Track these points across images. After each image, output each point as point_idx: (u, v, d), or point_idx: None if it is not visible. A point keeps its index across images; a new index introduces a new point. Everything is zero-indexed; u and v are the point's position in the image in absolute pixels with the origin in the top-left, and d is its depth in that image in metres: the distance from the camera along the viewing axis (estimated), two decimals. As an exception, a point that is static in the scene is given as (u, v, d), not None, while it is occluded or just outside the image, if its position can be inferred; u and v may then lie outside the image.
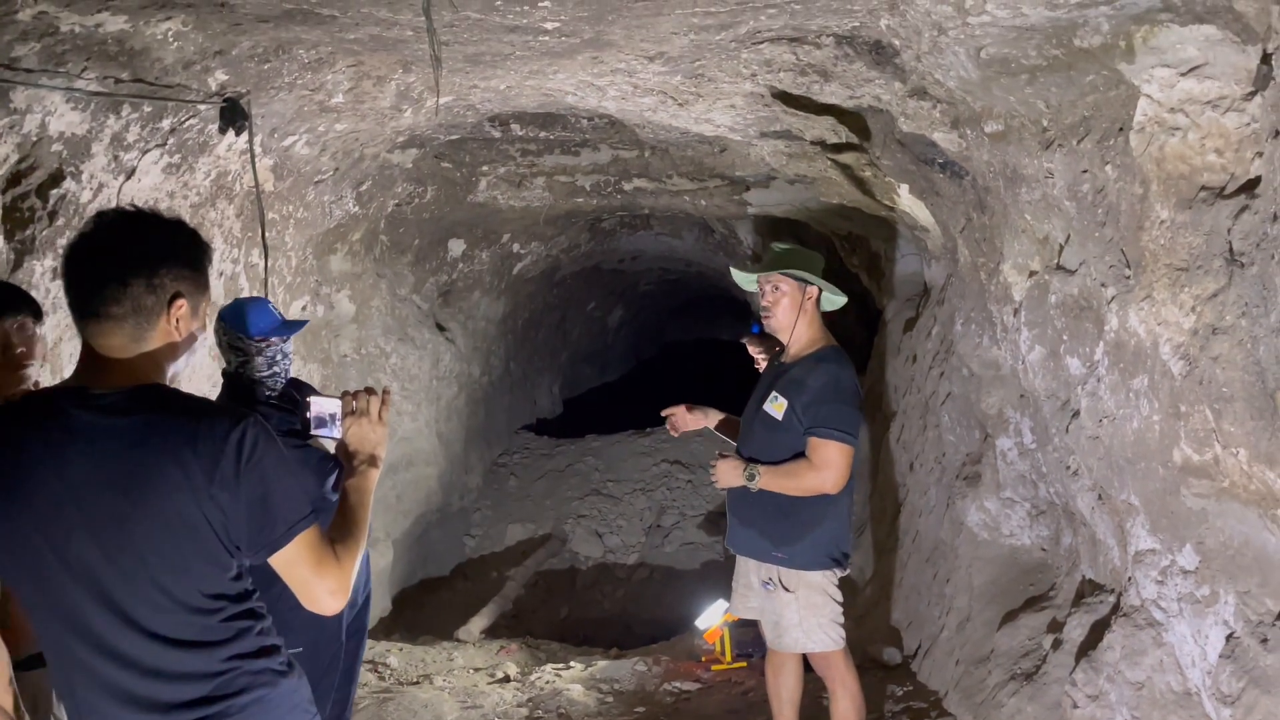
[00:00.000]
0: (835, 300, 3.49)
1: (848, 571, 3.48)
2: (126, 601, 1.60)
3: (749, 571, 3.52)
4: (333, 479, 2.90)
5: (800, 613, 3.35)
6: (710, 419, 3.74)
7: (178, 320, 1.66)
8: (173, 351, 1.69)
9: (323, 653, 3.23)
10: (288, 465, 1.70)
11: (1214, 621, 2.43)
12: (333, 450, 2.03)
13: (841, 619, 3.42)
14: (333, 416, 2.00)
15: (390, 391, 2.09)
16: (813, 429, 3.25)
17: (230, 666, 1.65)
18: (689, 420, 3.72)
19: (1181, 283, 2.35)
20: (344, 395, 2.02)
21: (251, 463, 1.62)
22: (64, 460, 1.58)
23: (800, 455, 3.29)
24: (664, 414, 3.76)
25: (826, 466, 3.21)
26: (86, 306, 1.62)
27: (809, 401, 3.27)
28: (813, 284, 3.39)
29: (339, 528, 1.83)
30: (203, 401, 1.74)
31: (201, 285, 1.72)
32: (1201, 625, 2.47)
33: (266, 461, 1.64)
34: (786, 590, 3.36)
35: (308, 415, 2.05)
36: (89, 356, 1.66)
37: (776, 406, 3.34)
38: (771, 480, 3.29)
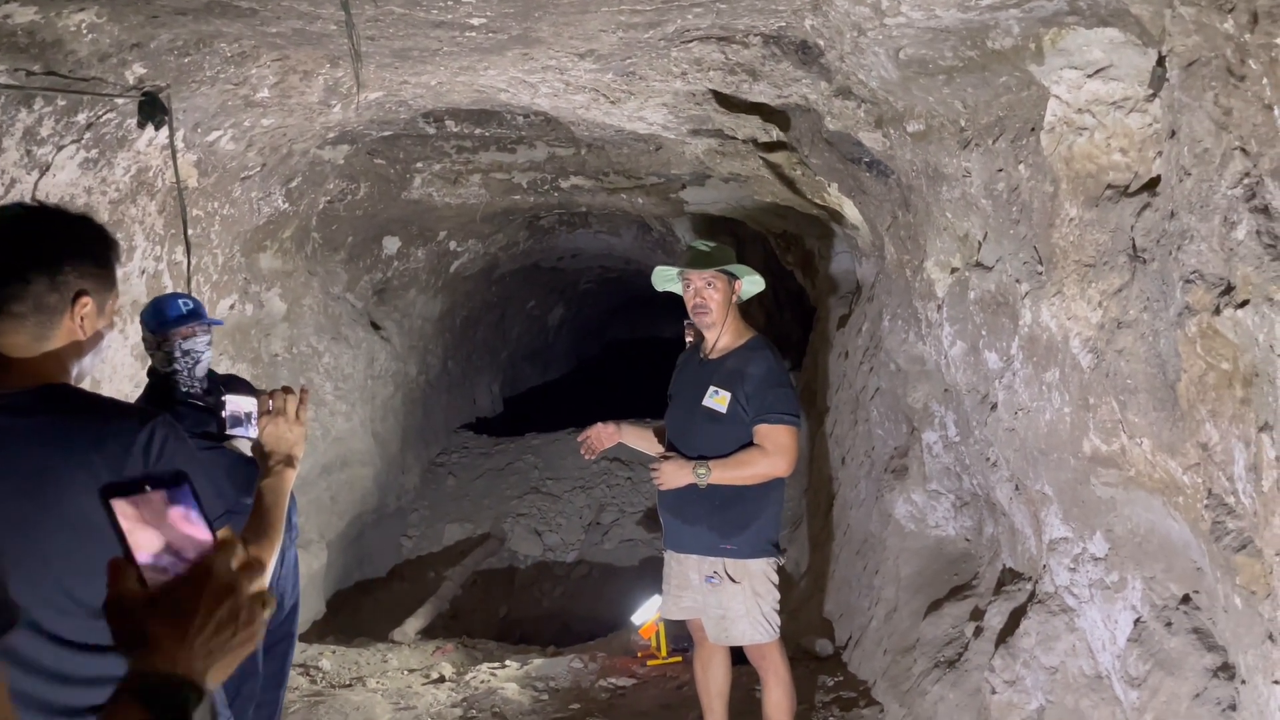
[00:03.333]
0: (757, 284, 3.53)
1: (783, 561, 3.53)
2: (31, 605, 1.56)
3: (687, 570, 3.50)
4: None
5: (747, 602, 3.38)
6: (622, 434, 3.67)
7: (82, 319, 1.62)
8: (78, 350, 1.64)
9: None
10: (198, 466, 1.66)
11: (1123, 606, 2.51)
12: (249, 450, 1.99)
13: (778, 608, 3.46)
14: (249, 415, 1.96)
15: (308, 390, 2.05)
16: (762, 416, 3.30)
17: None
18: (605, 437, 3.64)
19: (1089, 278, 2.42)
20: (260, 394, 1.99)
21: (160, 463, 1.58)
22: None
23: (746, 446, 3.32)
24: (580, 438, 3.67)
25: (781, 451, 3.27)
26: None
27: (752, 391, 3.32)
28: (739, 277, 3.45)
29: (253, 529, 1.79)
30: (109, 402, 1.69)
31: (108, 283, 1.67)
32: (1111, 610, 2.55)
33: (175, 463, 1.60)
34: (734, 581, 3.38)
35: (223, 415, 2.02)
36: None
37: (719, 400, 3.36)
38: (724, 473, 3.29)
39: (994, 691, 2.98)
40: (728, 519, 3.37)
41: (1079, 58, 2.30)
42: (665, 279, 3.60)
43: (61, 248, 1.60)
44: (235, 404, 2.00)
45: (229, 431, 2.00)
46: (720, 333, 3.47)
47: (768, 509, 3.40)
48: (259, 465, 1.95)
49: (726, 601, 3.41)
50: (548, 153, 6.15)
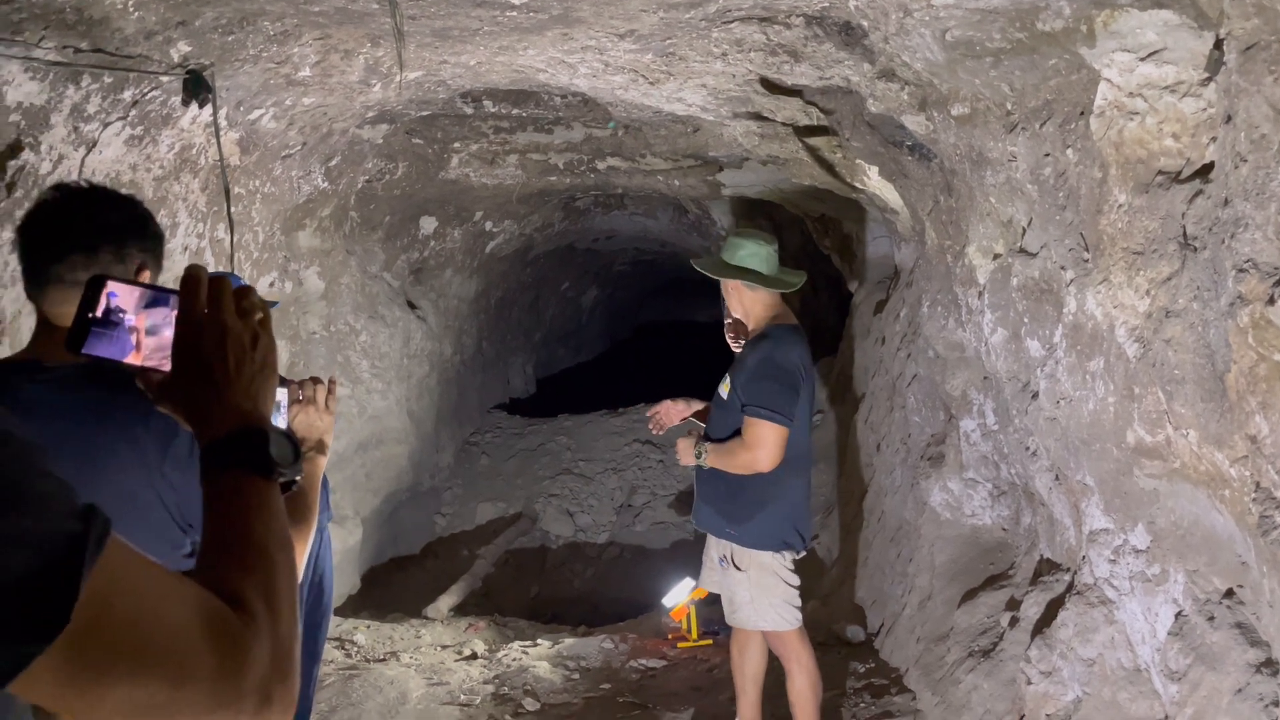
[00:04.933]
0: (786, 281, 3.57)
1: (801, 554, 3.51)
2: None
3: (711, 549, 3.62)
4: None
5: (751, 591, 3.42)
6: (692, 407, 3.79)
7: None
8: None
9: None
10: None
11: (1164, 600, 2.47)
12: None
13: (796, 600, 3.46)
14: (279, 404, 1.98)
15: (336, 380, 2.08)
16: (745, 407, 3.34)
17: None
18: (674, 412, 3.75)
19: (1137, 266, 2.38)
20: (289, 383, 2.01)
21: None
22: (30, 427, 1.56)
23: (738, 433, 3.39)
24: (649, 413, 3.80)
25: (756, 445, 3.29)
26: (48, 272, 1.57)
27: (745, 380, 3.39)
28: (729, 281, 3.56)
29: (290, 513, 1.81)
30: None
31: (160, 262, 1.69)
32: (1152, 603, 2.52)
33: None
34: (738, 569, 3.44)
35: None
36: (44, 328, 1.61)
37: (725, 388, 3.51)
38: (715, 458, 3.42)
39: (1029, 682, 2.96)
40: (734, 506, 3.44)
41: (1132, 40, 2.24)
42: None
43: (125, 223, 1.62)
44: None
45: None
46: (749, 325, 3.59)
47: (776, 502, 3.40)
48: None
49: (733, 586, 3.48)
50: (585, 134, 6.14)
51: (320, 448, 1.98)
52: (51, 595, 0.66)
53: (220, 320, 0.99)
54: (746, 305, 3.55)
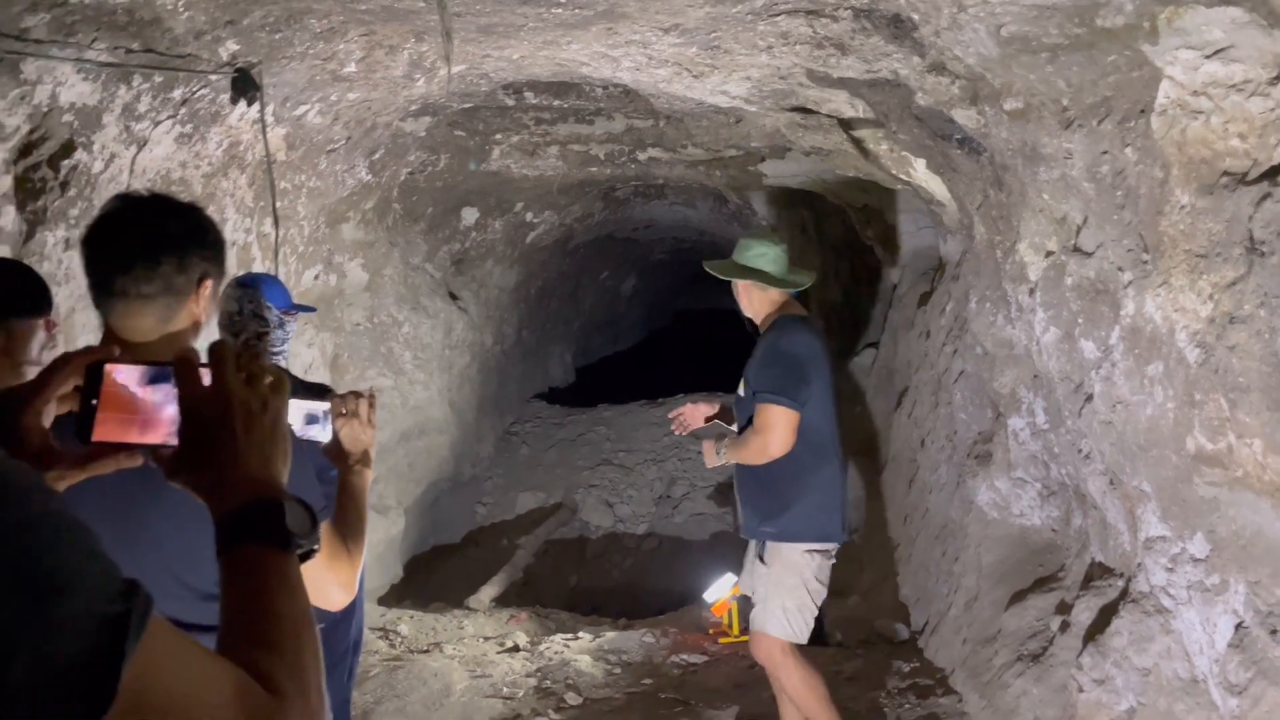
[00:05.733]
0: (794, 282, 3.61)
1: (833, 559, 3.47)
2: (185, 571, 1.60)
3: (752, 549, 3.61)
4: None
5: (769, 590, 3.38)
6: (714, 408, 3.80)
7: (204, 302, 1.63)
8: (195, 332, 1.66)
9: (340, 628, 3.26)
10: (299, 462, 1.68)
11: (1223, 610, 2.42)
12: (320, 449, 2.02)
13: (809, 614, 3.38)
14: (325, 414, 1.99)
15: (376, 394, 2.10)
16: (757, 396, 3.38)
17: None
18: (697, 414, 3.77)
19: (1200, 270, 2.31)
20: (332, 397, 2.03)
21: None
22: None
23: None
24: (672, 415, 3.82)
25: (765, 429, 3.32)
26: (113, 286, 1.56)
27: (754, 372, 3.45)
28: (740, 282, 3.61)
29: (346, 524, 1.83)
30: None
31: (222, 269, 1.70)
32: (1210, 614, 2.46)
33: None
34: (764, 564, 3.42)
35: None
36: (109, 339, 1.61)
37: (742, 384, 3.56)
38: (732, 452, 3.48)
39: (1081, 690, 2.91)
40: (767, 501, 3.43)
41: (1197, 37, 2.18)
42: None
43: (187, 233, 1.62)
44: (307, 405, 2.02)
45: (303, 429, 2.02)
46: (760, 322, 3.63)
47: (810, 494, 3.38)
48: (338, 465, 2.00)
49: (757, 583, 3.47)
50: (626, 125, 6.11)
51: (365, 460, 2.01)
52: (95, 682, 0.65)
53: (224, 389, 0.97)
54: (755, 305, 3.60)
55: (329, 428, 1.98)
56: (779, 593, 3.37)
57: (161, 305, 1.58)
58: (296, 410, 1.97)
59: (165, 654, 0.73)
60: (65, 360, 1.03)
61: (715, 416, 3.77)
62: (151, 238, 1.58)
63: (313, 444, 1.97)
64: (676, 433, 3.81)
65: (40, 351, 2.22)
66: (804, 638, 3.40)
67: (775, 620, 3.37)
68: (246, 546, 0.92)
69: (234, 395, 0.97)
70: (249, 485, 0.95)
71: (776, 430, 3.29)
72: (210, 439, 0.96)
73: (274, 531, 0.94)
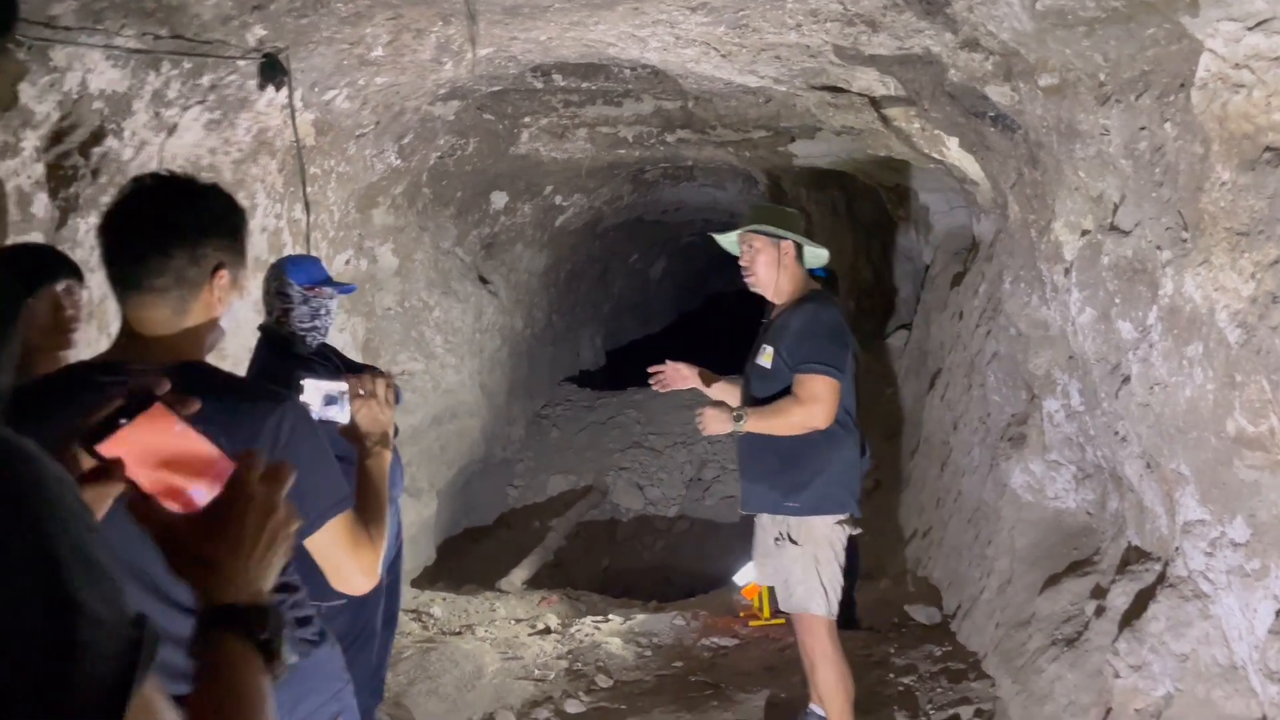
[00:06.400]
0: (818, 255, 3.50)
1: (859, 530, 3.41)
2: (162, 581, 1.60)
3: (765, 535, 3.48)
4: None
5: (805, 569, 3.29)
6: (703, 380, 3.66)
7: (220, 292, 1.61)
8: (214, 324, 1.64)
9: (367, 607, 3.29)
10: (323, 449, 1.66)
11: (1263, 595, 2.37)
12: (338, 431, 2.01)
13: (839, 589, 3.33)
14: (343, 394, 1.98)
15: (394, 375, 2.08)
16: (798, 366, 3.25)
17: None
18: (678, 378, 3.64)
19: (1241, 248, 2.25)
20: (349, 378, 2.01)
21: (288, 448, 1.58)
22: None
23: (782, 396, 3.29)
24: (653, 369, 3.68)
25: (813, 400, 3.21)
26: (127, 279, 1.56)
27: (792, 343, 3.29)
28: (786, 238, 3.41)
29: (366, 509, 1.81)
30: (242, 383, 1.70)
31: (241, 254, 1.67)
32: (1250, 599, 2.41)
33: (303, 447, 1.60)
34: (794, 544, 3.32)
35: (300, 398, 2.02)
36: (127, 331, 1.60)
37: (765, 357, 3.38)
38: (759, 421, 3.27)
39: (1117, 675, 2.87)
40: (794, 473, 3.31)
41: (1239, 9, 2.11)
42: (727, 243, 3.62)
43: (200, 221, 1.59)
44: (321, 386, 2.01)
45: (322, 410, 2.01)
46: (774, 294, 3.46)
47: (832, 465, 3.30)
48: (356, 447, 1.97)
49: (789, 565, 3.35)
50: (654, 106, 6.07)
51: (384, 441, 1.99)
52: (106, 708, 0.66)
53: (247, 489, 0.99)
54: (788, 273, 3.41)
55: (347, 409, 1.97)
56: (819, 569, 3.29)
57: (175, 297, 1.57)
58: (314, 391, 1.98)
59: (155, 692, 0.72)
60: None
61: (700, 383, 3.64)
62: (163, 228, 1.55)
63: (330, 425, 1.97)
64: (654, 387, 3.67)
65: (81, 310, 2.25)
66: (836, 611, 3.36)
67: (818, 599, 3.30)
68: (232, 637, 0.94)
69: (254, 495, 0.99)
70: (249, 586, 0.97)
71: (824, 401, 3.20)
72: (235, 537, 0.97)
73: (263, 634, 0.95)
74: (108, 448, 0.96)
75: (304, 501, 1.62)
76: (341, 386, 1.98)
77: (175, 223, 1.56)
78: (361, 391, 1.98)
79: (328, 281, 3.24)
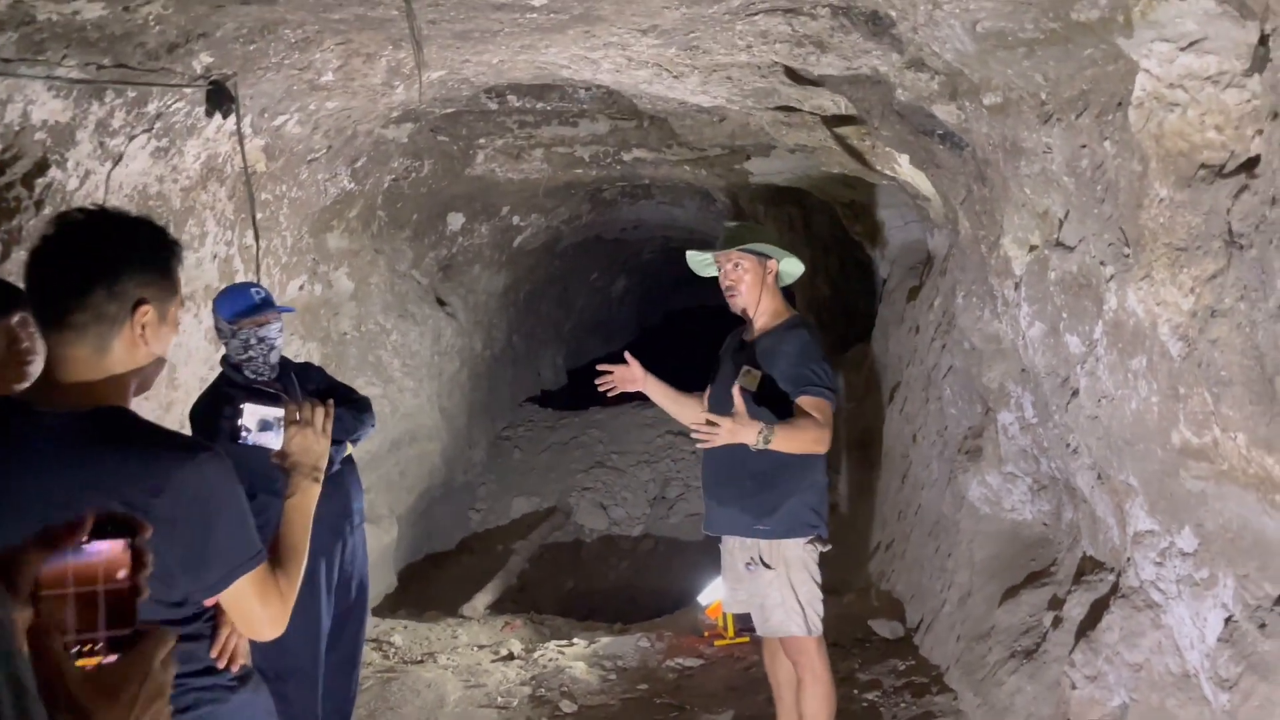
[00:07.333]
0: (794, 271, 3.48)
1: (828, 546, 3.39)
2: None
3: (735, 560, 3.42)
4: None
5: (782, 591, 3.26)
6: (649, 385, 3.54)
7: (143, 328, 1.55)
8: (137, 362, 1.58)
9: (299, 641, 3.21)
10: (237, 503, 1.61)
11: (1213, 604, 2.40)
12: (271, 457, 1.94)
13: (820, 604, 3.32)
14: (278, 420, 1.94)
15: (333, 405, 1.99)
16: (806, 389, 3.20)
17: (177, 684, 1.60)
18: (628, 380, 3.51)
19: (1180, 263, 2.30)
20: (288, 404, 1.96)
21: (197, 500, 1.53)
22: (12, 479, 1.48)
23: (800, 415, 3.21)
24: (603, 367, 3.54)
25: (829, 423, 3.20)
26: (47, 316, 1.52)
27: (792, 367, 3.24)
28: (772, 258, 3.40)
29: (281, 557, 1.73)
30: (158, 433, 1.61)
31: (169, 289, 1.61)
32: (1200, 608, 2.45)
33: (212, 501, 1.55)
34: (768, 567, 3.28)
35: (239, 422, 1.98)
36: (47, 370, 1.55)
37: (750, 379, 3.27)
38: (784, 440, 3.09)
39: (1074, 686, 2.90)
40: (767, 495, 3.27)
41: (1171, 30, 2.16)
42: (701, 264, 3.56)
43: (119, 255, 1.54)
44: (259, 411, 1.97)
45: (255, 435, 1.96)
46: (756, 314, 3.42)
47: (805, 488, 3.29)
48: (284, 478, 1.89)
49: (764, 589, 3.31)
50: (610, 126, 6.09)
51: (314, 473, 1.89)
52: None
53: (148, 665, 1.01)
54: (771, 292, 3.39)
55: (281, 435, 1.93)
56: (795, 590, 3.27)
57: (94, 335, 1.52)
58: (252, 415, 1.94)
59: None
60: None
61: (645, 387, 3.53)
62: (81, 263, 1.50)
63: (264, 451, 1.93)
64: (600, 386, 3.53)
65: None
66: (821, 628, 3.32)
67: (797, 620, 3.26)
68: None
69: (154, 674, 1.01)
70: None
71: (832, 426, 3.21)
72: (114, 690, 0.98)
73: None
74: (53, 570, 0.96)
75: (214, 559, 1.57)
76: (278, 413, 1.94)
77: (94, 257, 1.51)
78: (297, 418, 1.93)
79: (253, 309, 3.21)
